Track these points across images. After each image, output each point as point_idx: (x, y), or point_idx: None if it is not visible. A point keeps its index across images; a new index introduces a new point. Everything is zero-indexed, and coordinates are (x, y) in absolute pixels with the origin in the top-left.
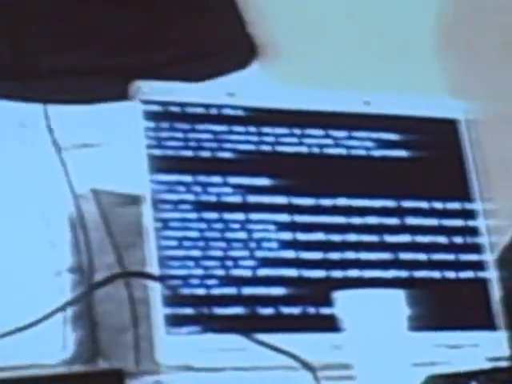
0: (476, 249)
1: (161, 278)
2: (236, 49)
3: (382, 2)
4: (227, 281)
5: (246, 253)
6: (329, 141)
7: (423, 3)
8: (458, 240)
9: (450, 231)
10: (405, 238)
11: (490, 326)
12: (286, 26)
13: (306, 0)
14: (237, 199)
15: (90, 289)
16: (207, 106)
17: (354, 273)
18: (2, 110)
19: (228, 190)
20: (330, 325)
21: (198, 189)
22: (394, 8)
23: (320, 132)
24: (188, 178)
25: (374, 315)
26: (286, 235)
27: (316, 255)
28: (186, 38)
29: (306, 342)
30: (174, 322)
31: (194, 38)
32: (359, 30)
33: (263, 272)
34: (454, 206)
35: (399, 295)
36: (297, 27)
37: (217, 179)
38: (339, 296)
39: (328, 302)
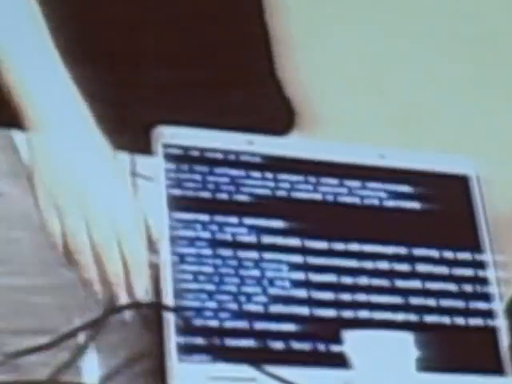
0: (485, 298)
1: (175, 309)
2: (275, 117)
3: (400, 58)
4: (240, 315)
5: (258, 289)
6: (343, 190)
7: (437, 60)
8: (468, 288)
9: (459, 280)
10: (415, 284)
11: (499, 370)
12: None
13: (322, 54)
14: (251, 239)
15: (105, 315)
16: (226, 152)
17: (364, 314)
18: None
19: (243, 230)
20: (339, 361)
21: (214, 227)
22: (408, 63)
23: (334, 181)
24: (205, 218)
25: (383, 355)
26: (299, 275)
27: (327, 295)
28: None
29: (315, 376)
30: (186, 350)
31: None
32: (376, 84)
33: (275, 308)
34: (465, 256)
35: (408, 337)
36: (316, 82)
37: (233, 220)
38: (350, 335)
39: (338, 340)
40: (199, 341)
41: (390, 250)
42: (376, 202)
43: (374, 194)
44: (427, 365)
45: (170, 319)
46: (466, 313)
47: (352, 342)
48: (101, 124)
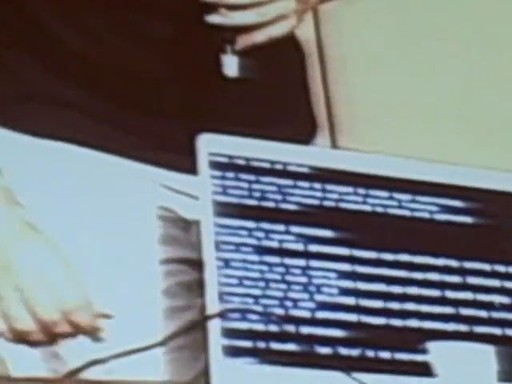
0: None
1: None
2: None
3: (449, 74)
4: (286, 320)
5: (305, 295)
6: (393, 202)
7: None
8: None
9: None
10: (466, 296)
11: None
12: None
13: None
14: (299, 247)
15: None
16: (273, 162)
17: (413, 323)
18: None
19: (290, 237)
20: (390, 368)
21: (260, 234)
22: (462, 82)
23: (384, 194)
24: (251, 224)
25: (465, 367)
26: (347, 283)
27: (376, 303)
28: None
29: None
30: (232, 352)
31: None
32: (431, 99)
33: (322, 315)
34: None
35: (489, 349)
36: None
37: (280, 227)
38: (433, 346)
39: (386, 348)
40: (246, 343)
41: (440, 261)
42: (426, 215)
43: (425, 207)
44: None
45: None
46: None
47: (436, 351)
48: (143, 143)
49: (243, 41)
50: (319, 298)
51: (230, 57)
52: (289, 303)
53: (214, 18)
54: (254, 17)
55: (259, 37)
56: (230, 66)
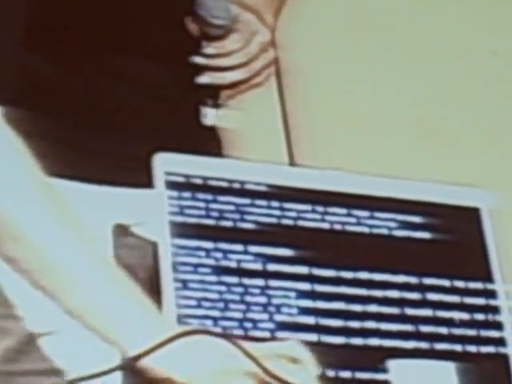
0: (497, 326)
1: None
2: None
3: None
4: (246, 341)
5: (265, 316)
6: (351, 219)
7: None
8: (480, 317)
9: (471, 308)
10: (426, 312)
11: None
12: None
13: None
14: (257, 266)
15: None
16: (230, 181)
17: (374, 341)
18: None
19: (249, 257)
20: None
21: (218, 255)
22: (419, 97)
23: (342, 211)
24: (209, 244)
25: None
26: (307, 302)
27: (336, 322)
28: None
29: None
30: None
31: None
32: (389, 115)
33: (282, 335)
34: (476, 285)
35: (450, 366)
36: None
37: (238, 247)
38: (394, 364)
39: (347, 367)
40: None
41: (399, 278)
42: (385, 231)
43: (383, 223)
44: None
45: None
46: (478, 340)
47: (397, 370)
48: (100, 162)
49: (228, 94)
50: (279, 318)
51: (210, 109)
52: (248, 324)
53: (203, 79)
54: (246, 74)
55: (244, 88)
56: (210, 116)
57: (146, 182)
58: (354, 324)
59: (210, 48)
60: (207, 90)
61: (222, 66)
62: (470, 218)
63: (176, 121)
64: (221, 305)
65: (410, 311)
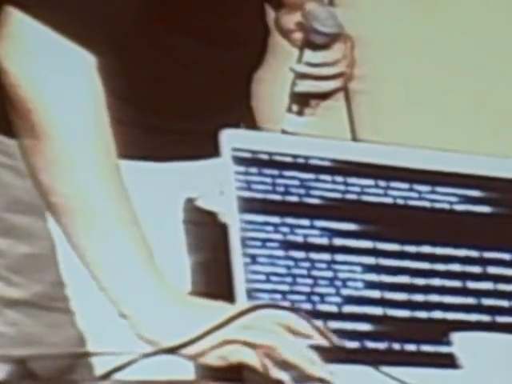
0: None
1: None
2: None
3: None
4: (313, 315)
5: (332, 290)
6: (413, 194)
7: None
8: None
9: None
10: (487, 286)
11: None
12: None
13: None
14: (323, 241)
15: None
16: (295, 156)
17: (437, 314)
18: None
19: (315, 232)
20: (416, 360)
21: (285, 229)
22: (479, 72)
23: (405, 185)
24: (276, 219)
25: (489, 357)
26: (372, 276)
27: (401, 296)
28: None
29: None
30: None
31: None
32: (449, 90)
33: (349, 309)
34: None
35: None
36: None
37: (304, 222)
38: (458, 337)
39: (412, 340)
40: None
41: (461, 252)
42: (446, 205)
43: (444, 198)
44: None
45: None
46: None
47: (460, 343)
48: (166, 136)
49: (317, 103)
50: (345, 292)
51: (294, 116)
52: (316, 298)
53: (301, 88)
54: (343, 82)
55: (331, 96)
56: (293, 124)
57: (213, 152)
58: (418, 297)
59: (315, 57)
60: (297, 97)
61: (325, 75)
62: None
63: (239, 101)
64: (289, 279)
65: (471, 284)
